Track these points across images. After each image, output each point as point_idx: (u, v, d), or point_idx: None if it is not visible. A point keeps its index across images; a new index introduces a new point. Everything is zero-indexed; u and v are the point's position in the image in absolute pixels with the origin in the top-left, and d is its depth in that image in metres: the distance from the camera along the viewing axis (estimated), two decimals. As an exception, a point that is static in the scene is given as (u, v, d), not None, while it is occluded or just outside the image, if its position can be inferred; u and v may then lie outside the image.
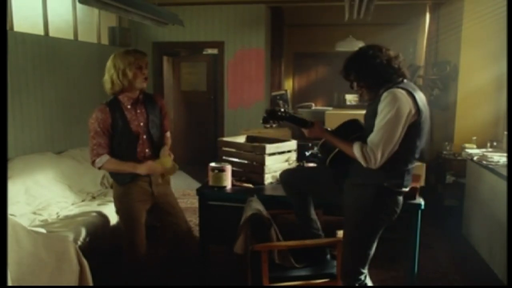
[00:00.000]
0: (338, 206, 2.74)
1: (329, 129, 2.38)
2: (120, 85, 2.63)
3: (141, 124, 2.72)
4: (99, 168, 2.67)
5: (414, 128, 2.15)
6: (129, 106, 2.71)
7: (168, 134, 2.98)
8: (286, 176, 2.75)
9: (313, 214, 2.70)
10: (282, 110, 2.42)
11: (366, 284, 2.35)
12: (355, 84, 2.30)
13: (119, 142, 2.68)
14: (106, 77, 2.66)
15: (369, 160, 2.12)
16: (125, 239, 2.83)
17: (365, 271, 2.33)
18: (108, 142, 2.66)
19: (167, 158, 2.76)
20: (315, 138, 2.41)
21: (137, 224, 2.78)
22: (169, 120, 3.02)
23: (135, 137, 2.70)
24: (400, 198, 2.27)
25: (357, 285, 2.31)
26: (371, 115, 2.19)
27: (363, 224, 2.27)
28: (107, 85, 2.66)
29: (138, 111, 2.73)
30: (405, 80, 2.23)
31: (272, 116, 2.42)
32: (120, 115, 2.66)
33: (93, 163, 2.66)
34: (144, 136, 2.74)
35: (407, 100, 2.11)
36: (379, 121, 2.12)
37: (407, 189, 2.28)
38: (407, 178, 2.25)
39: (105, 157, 2.63)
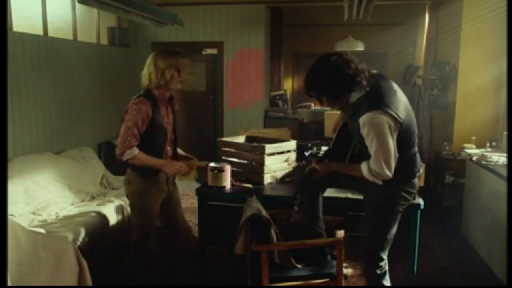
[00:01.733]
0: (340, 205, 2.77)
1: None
2: (157, 84, 2.68)
3: (169, 122, 2.80)
4: (126, 160, 2.63)
5: (402, 135, 2.23)
6: (161, 103, 2.75)
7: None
8: (300, 171, 2.76)
9: (321, 212, 2.70)
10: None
11: (386, 271, 2.43)
12: (317, 98, 2.34)
13: (152, 136, 2.68)
14: (145, 73, 2.71)
15: (382, 178, 2.23)
16: (138, 233, 2.81)
17: (385, 257, 2.41)
18: (139, 136, 2.66)
19: (195, 171, 2.83)
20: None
21: (153, 221, 2.82)
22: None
23: (166, 133, 2.75)
24: (415, 181, 2.39)
25: (378, 272, 2.39)
26: (354, 131, 2.30)
27: (383, 216, 2.37)
28: (145, 81, 2.71)
29: (168, 110, 2.81)
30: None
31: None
32: (157, 109, 2.70)
33: (122, 154, 2.62)
34: (169, 135, 2.80)
35: (382, 119, 2.15)
36: (370, 146, 2.21)
37: (420, 172, 2.42)
38: (417, 163, 2.38)
39: (136, 150, 2.63)
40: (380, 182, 2.24)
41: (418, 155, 2.42)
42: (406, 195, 2.35)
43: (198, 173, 2.87)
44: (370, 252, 2.42)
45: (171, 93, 2.81)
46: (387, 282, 2.43)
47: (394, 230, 2.38)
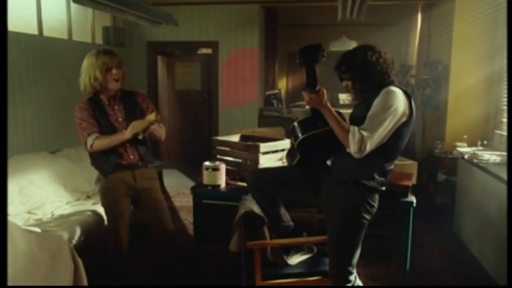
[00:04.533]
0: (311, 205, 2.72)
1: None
2: (91, 89, 2.70)
3: (119, 119, 2.77)
4: (91, 147, 2.67)
5: (404, 128, 2.17)
6: (107, 103, 2.77)
7: (160, 124, 2.91)
8: (253, 180, 2.62)
9: (282, 209, 2.61)
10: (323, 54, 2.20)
11: (357, 285, 2.33)
12: (345, 82, 2.29)
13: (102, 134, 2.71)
14: (80, 80, 2.73)
15: (359, 147, 2.07)
16: (109, 232, 2.86)
17: (354, 271, 2.30)
18: (96, 125, 2.69)
19: (150, 115, 2.73)
20: (312, 109, 2.27)
21: (120, 217, 2.81)
22: (154, 113, 2.88)
23: (115, 131, 2.73)
24: (377, 196, 2.27)
25: (349, 285, 2.28)
26: (359, 116, 2.18)
27: (350, 223, 2.23)
28: (81, 87, 2.73)
29: (116, 107, 2.79)
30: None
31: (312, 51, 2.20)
32: (99, 109, 2.74)
33: (85, 144, 2.67)
34: (123, 131, 2.74)
35: (404, 101, 2.13)
36: (374, 112, 2.11)
37: (384, 188, 2.27)
38: (388, 177, 2.26)
39: (94, 135, 2.66)
40: (353, 149, 2.07)
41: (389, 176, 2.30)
42: (368, 207, 2.22)
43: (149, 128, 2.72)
44: (336, 265, 2.31)
45: (120, 91, 2.80)
46: None
47: (359, 240, 2.25)
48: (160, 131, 2.85)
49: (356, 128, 2.08)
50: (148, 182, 2.89)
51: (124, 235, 2.83)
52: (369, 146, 2.07)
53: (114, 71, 2.67)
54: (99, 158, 2.77)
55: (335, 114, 2.18)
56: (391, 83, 2.21)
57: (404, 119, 2.14)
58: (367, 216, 2.23)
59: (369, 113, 2.13)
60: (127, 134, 2.65)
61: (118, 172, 2.77)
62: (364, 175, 2.19)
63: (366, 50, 2.23)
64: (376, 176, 2.19)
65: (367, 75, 2.19)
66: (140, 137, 2.70)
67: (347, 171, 2.22)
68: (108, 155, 2.74)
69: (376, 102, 2.13)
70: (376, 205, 2.25)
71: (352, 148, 2.08)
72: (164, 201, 3.03)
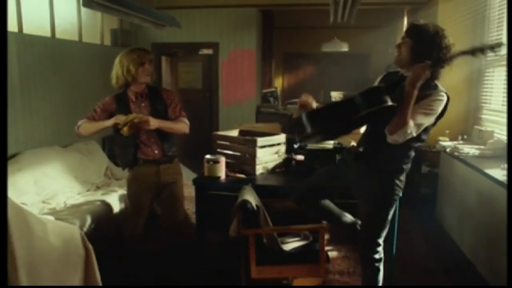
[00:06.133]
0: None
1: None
2: (124, 80, 2.67)
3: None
4: (78, 129, 2.69)
5: (430, 125, 2.25)
6: (134, 99, 2.75)
7: (182, 119, 2.92)
8: (298, 200, 2.65)
9: (336, 209, 2.68)
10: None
11: (382, 258, 2.41)
12: (404, 44, 2.23)
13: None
14: (112, 73, 2.70)
15: (406, 132, 2.10)
16: (128, 220, 2.89)
17: (382, 243, 2.40)
18: (102, 118, 2.70)
19: (133, 114, 2.61)
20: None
21: (139, 209, 2.83)
22: (177, 108, 2.90)
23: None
24: (404, 177, 2.38)
25: (376, 257, 2.38)
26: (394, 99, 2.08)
27: (383, 203, 2.32)
28: (113, 80, 2.70)
29: (143, 104, 2.76)
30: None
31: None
32: (124, 106, 2.71)
33: (76, 126, 2.72)
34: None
35: (442, 105, 2.19)
36: (424, 107, 2.14)
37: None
38: (411, 159, 2.37)
39: (82, 120, 2.68)
40: (402, 133, 2.09)
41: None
42: (400, 184, 2.33)
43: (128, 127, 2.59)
44: (368, 239, 2.38)
45: (148, 88, 2.78)
46: (381, 266, 2.42)
47: (390, 217, 2.37)
48: (177, 127, 2.83)
49: (412, 123, 2.10)
50: (172, 177, 2.88)
51: (141, 224, 2.84)
52: (414, 132, 2.13)
53: (146, 65, 2.67)
54: (119, 152, 2.78)
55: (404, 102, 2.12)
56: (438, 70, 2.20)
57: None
58: (398, 194, 2.35)
59: (420, 111, 2.13)
60: (108, 122, 2.64)
61: (144, 166, 2.77)
62: (397, 164, 2.29)
63: (438, 30, 2.18)
64: (405, 163, 2.30)
65: (425, 49, 2.15)
66: (123, 132, 2.54)
67: (383, 161, 2.29)
68: (126, 149, 2.74)
69: (428, 100, 2.15)
70: (403, 185, 2.36)
71: (401, 138, 2.11)
72: (183, 197, 3.03)
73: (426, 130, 2.25)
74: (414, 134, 2.13)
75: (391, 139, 2.14)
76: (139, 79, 2.68)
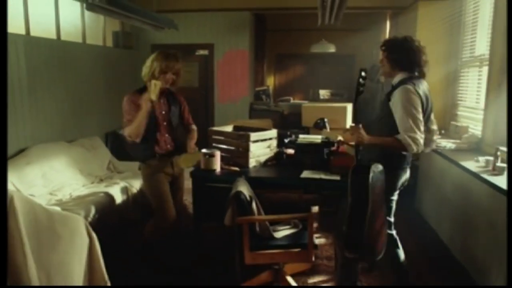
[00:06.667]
0: (315, 185, 2.73)
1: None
2: (149, 79, 2.68)
3: (163, 112, 2.78)
4: (129, 136, 2.62)
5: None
6: None
7: (193, 127, 2.98)
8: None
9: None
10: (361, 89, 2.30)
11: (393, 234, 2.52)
12: (384, 57, 2.40)
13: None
14: (144, 68, 2.73)
15: (417, 143, 2.17)
16: (155, 215, 2.78)
17: (392, 221, 2.52)
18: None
19: (187, 158, 2.78)
20: (357, 143, 2.29)
21: (166, 198, 2.77)
22: (189, 116, 3.02)
23: (157, 121, 2.73)
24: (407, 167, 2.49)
25: (389, 231, 2.49)
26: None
27: (389, 191, 2.39)
28: (143, 73, 2.73)
29: (162, 101, 2.78)
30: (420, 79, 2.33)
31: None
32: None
33: (124, 133, 2.65)
34: (165, 123, 2.79)
35: (416, 93, 2.23)
36: (400, 112, 2.21)
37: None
38: None
39: (126, 128, 2.63)
40: (413, 148, 2.16)
41: None
42: (400, 176, 2.43)
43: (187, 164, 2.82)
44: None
45: (167, 89, 2.79)
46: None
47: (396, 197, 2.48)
48: (195, 138, 2.91)
49: (401, 135, 2.18)
50: (180, 169, 2.92)
51: (171, 208, 2.76)
52: (420, 138, 2.18)
53: (168, 75, 2.69)
54: (136, 148, 2.74)
55: (377, 138, 2.30)
56: (417, 72, 2.36)
57: (420, 106, 2.24)
58: (401, 181, 2.47)
59: (397, 116, 2.22)
60: (143, 106, 2.56)
61: (159, 160, 2.77)
62: (404, 161, 2.39)
63: (406, 39, 2.36)
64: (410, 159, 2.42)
65: (400, 56, 2.35)
66: (153, 92, 2.58)
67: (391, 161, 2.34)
68: (147, 144, 2.71)
69: (393, 101, 2.24)
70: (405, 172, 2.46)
71: (411, 148, 2.18)
72: (183, 189, 3.05)
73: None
74: (419, 132, 2.17)
75: (414, 152, 2.21)
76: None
